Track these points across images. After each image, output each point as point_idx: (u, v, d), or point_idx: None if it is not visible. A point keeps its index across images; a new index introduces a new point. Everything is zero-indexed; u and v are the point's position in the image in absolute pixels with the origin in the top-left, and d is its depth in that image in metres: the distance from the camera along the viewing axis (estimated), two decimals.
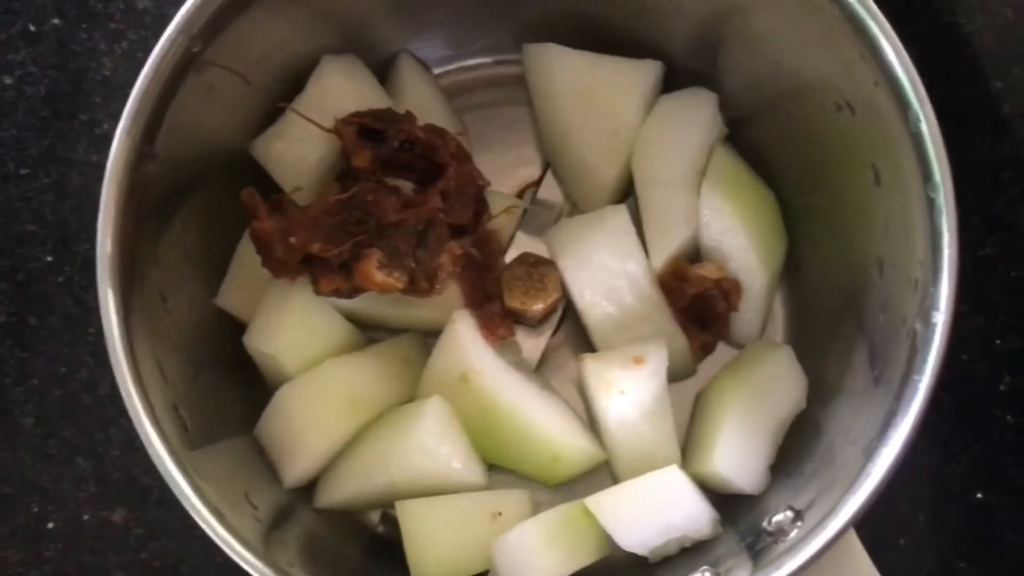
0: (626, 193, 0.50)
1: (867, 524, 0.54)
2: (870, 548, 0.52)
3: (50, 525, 0.56)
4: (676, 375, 0.48)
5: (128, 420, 0.54)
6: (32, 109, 0.60)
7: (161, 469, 0.36)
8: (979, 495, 0.56)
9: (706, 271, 0.47)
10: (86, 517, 0.56)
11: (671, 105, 0.49)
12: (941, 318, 0.35)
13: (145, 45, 0.60)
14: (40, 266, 0.58)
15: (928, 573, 0.55)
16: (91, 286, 0.56)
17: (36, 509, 0.56)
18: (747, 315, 0.48)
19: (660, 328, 0.47)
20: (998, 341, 0.56)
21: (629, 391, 0.45)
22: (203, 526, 0.36)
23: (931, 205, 0.36)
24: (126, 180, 0.37)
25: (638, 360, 0.46)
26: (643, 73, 0.49)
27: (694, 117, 0.48)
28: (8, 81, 0.60)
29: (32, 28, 0.60)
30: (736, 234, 0.48)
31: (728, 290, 0.48)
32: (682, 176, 0.48)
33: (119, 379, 0.36)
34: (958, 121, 0.58)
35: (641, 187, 0.48)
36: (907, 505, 0.56)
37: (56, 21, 0.60)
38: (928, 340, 0.35)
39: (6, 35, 0.60)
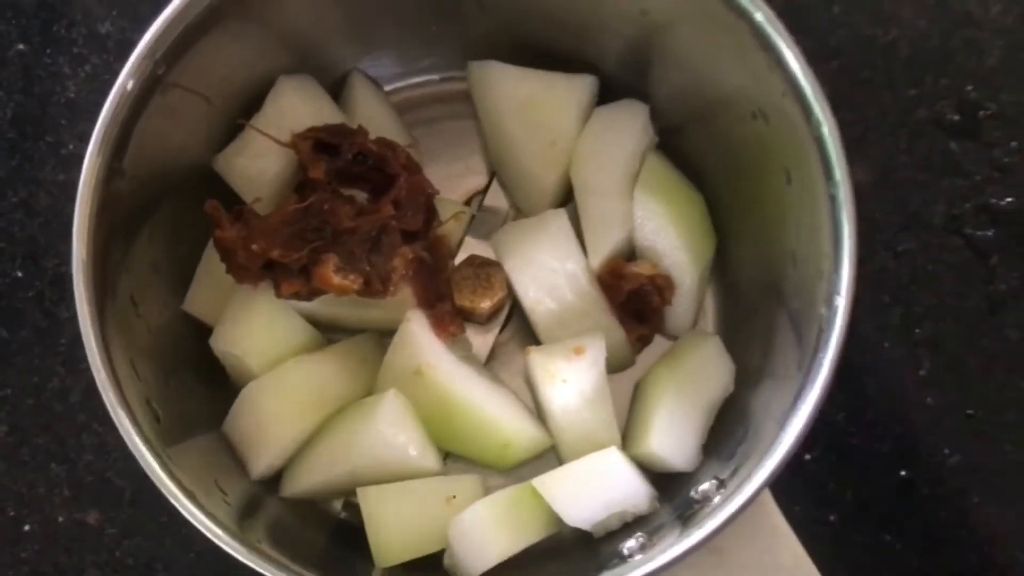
0: (566, 199, 0.53)
1: (799, 502, 0.57)
2: (802, 523, 0.55)
3: (26, 528, 0.58)
4: (616, 366, 0.51)
5: (100, 425, 0.58)
6: None
7: (137, 455, 0.39)
8: (902, 472, 0.59)
9: (640, 268, 0.50)
10: (61, 519, 0.58)
11: (605, 116, 0.52)
12: (842, 301, 0.38)
13: (108, 68, 0.62)
14: (10, 281, 0.60)
15: (857, 546, 0.58)
16: (61, 300, 0.60)
17: (12, 513, 0.58)
18: (680, 308, 0.51)
19: (599, 323, 0.50)
20: (917, 330, 0.60)
21: (571, 380, 0.48)
22: (179, 508, 0.39)
23: (833, 201, 0.39)
24: (97, 195, 0.39)
25: (578, 351, 0.48)
26: (579, 87, 0.52)
27: (627, 127, 0.51)
28: None
29: None
30: (667, 234, 0.50)
31: (661, 286, 0.50)
32: (617, 182, 0.51)
33: (96, 376, 0.38)
34: (877, 126, 0.63)
35: (579, 193, 0.51)
36: (836, 484, 0.59)
37: (21, 47, 0.63)
38: (831, 321, 0.39)
39: None
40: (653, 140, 0.53)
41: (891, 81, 0.63)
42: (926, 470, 0.59)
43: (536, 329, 0.51)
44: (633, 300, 0.51)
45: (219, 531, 0.39)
